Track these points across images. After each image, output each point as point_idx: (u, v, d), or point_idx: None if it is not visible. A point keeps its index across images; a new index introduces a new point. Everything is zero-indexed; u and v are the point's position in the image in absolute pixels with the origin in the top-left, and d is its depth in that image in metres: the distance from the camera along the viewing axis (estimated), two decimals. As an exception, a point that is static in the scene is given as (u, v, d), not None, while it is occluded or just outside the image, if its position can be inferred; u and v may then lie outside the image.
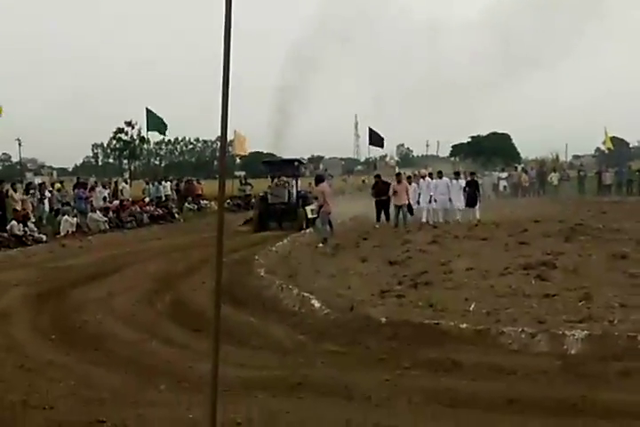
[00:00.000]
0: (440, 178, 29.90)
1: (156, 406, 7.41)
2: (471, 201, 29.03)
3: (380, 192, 28.06)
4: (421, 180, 30.59)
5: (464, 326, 9.64)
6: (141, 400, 7.67)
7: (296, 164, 33.30)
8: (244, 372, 8.64)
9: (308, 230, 26.27)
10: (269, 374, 8.45)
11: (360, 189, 49.16)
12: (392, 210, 27.34)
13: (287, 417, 6.89)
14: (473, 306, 11.05)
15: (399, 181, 27.37)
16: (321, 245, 21.53)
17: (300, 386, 7.87)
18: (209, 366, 8.52)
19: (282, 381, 8.11)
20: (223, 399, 7.41)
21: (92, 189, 33.38)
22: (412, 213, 27.70)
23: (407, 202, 27.06)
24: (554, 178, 46.98)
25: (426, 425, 6.69)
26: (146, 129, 41.24)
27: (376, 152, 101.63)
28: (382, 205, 28.14)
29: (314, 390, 7.76)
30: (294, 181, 32.22)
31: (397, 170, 44.79)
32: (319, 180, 23.79)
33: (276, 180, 32.15)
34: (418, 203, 29.21)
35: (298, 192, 31.73)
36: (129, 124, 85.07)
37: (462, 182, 29.68)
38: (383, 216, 28.14)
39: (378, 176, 30.53)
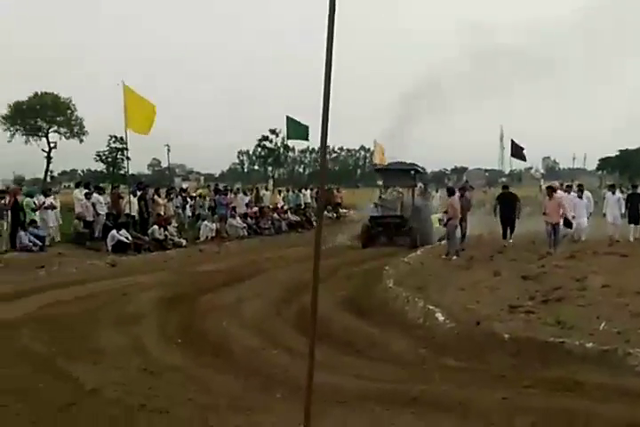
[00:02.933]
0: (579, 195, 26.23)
1: (270, 414, 7.45)
2: (635, 217, 25.41)
3: (505, 207, 24.71)
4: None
5: (590, 345, 9.32)
6: (256, 408, 7.73)
7: (412, 172, 29.66)
8: (362, 384, 8.61)
9: (419, 250, 23.79)
10: (386, 387, 8.37)
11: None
12: (546, 229, 22.79)
13: (396, 432, 6.80)
14: (603, 325, 10.69)
15: (550, 196, 23.03)
16: (446, 257, 21.40)
17: (414, 401, 7.76)
18: (328, 376, 8.60)
19: (397, 394, 8.03)
20: (337, 411, 7.44)
21: (234, 195, 34.05)
22: (569, 226, 23.41)
23: (560, 220, 22.61)
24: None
25: (540, 447, 6.49)
26: (286, 137, 41.89)
27: (521, 164, 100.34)
28: (508, 222, 24.67)
29: (429, 405, 7.64)
30: (410, 192, 29.47)
31: (542, 182, 43.70)
32: (451, 192, 23.55)
33: (390, 189, 29.66)
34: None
35: (413, 204, 28.73)
36: (273, 131, 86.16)
37: (618, 195, 26.64)
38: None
39: (505, 187, 27.58)
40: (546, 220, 22.63)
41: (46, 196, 23.90)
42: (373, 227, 27.44)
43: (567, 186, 29.05)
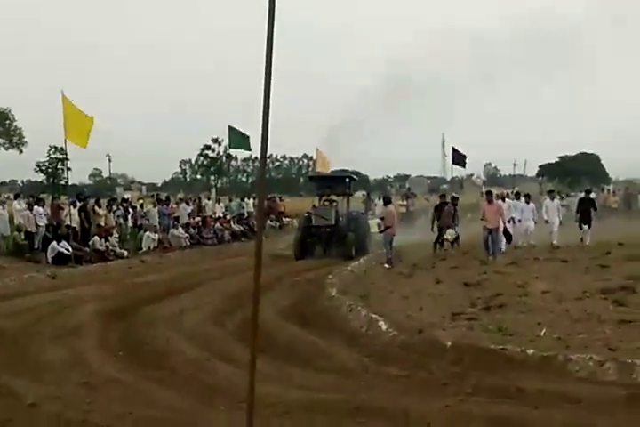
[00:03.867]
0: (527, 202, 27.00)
1: (213, 427, 7.37)
2: (587, 220, 26.41)
3: (444, 217, 24.59)
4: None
5: (531, 351, 9.40)
6: (200, 421, 7.67)
7: (347, 180, 29.27)
8: (305, 394, 8.57)
9: (362, 258, 23.74)
10: (329, 397, 8.33)
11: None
12: (483, 234, 22.57)
13: (342, 442, 6.78)
14: (544, 331, 10.83)
15: (490, 201, 23.10)
16: (386, 265, 21.54)
17: (357, 410, 7.75)
18: (272, 387, 8.56)
19: (341, 404, 8.00)
20: (280, 422, 7.40)
21: (176, 205, 33.90)
22: (508, 240, 23.61)
23: (500, 226, 22.64)
24: (642, 200, 45.76)
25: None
26: (228, 146, 41.84)
27: (463, 171, 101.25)
28: (444, 231, 24.45)
29: (372, 414, 7.63)
30: (345, 200, 28.76)
31: (483, 189, 44.08)
32: (387, 201, 23.68)
33: (323, 198, 28.50)
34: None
35: (349, 213, 27.85)
36: (215, 140, 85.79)
37: (557, 202, 27.97)
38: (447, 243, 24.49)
39: (443, 196, 27.78)
40: (484, 225, 22.52)
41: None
42: (307, 237, 26.50)
43: (506, 193, 29.65)
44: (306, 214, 27.65)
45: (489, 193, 25.08)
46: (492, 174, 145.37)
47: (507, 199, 28.22)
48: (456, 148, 39.75)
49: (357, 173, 30.54)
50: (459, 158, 39.52)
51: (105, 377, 9.58)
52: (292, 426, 7.26)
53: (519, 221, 26.39)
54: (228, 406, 8.13)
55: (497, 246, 22.62)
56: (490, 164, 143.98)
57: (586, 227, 26.38)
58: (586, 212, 26.55)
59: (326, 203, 27.90)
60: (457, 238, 24.36)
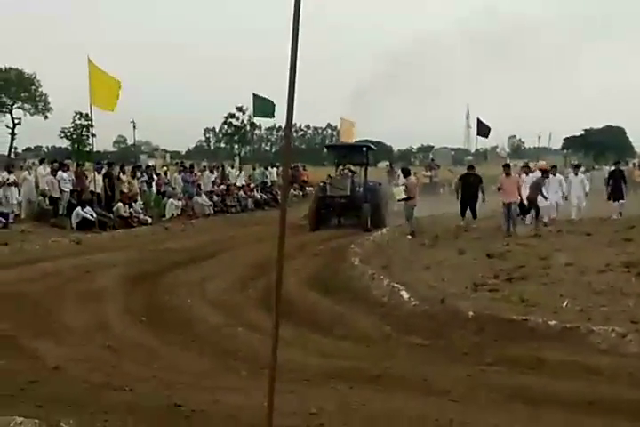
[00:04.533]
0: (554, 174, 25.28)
1: (235, 392, 7.39)
2: (619, 194, 25.42)
3: (468, 188, 23.56)
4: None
5: (553, 323, 9.39)
6: (221, 386, 7.71)
7: (364, 149, 28.50)
8: (326, 361, 8.65)
9: (384, 229, 23.46)
10: (350, 365, 8.40)
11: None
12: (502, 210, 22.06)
13: (362, 409, 6.79)
14: (566, 303, 10.80)
15: (507, 174, 22.37)
16: (409, 236, 21.53)
17: (379, 378, 7.81)
18: (293, 354, 8.62)
19: (362, 372, 8.07)
20: (301, 389, 7.44)
21: (200, 172, 33.94)
22: (524, 213, 23.01)
23: (518, 199, 21.89)
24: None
25: (502, 423, 6.51)
26: (253, 114, 41.86)
27: (487, 143, 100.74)
28: (469, 203, 23.61)
29: (393, 382, 7.68)
30: (363, 171, 27.74)
31: (508, 161, 43.67)
32: (406, 173, 23.50)
33: (340, 168, 27.63)
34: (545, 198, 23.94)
35: (365, 183, 26.64)
36: (240, 109, 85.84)
37: (582, 176, 26.44)
38: (470, 213, 23.72)
39: (470, 167, 26.17)
40: (502, 199, 21.89)
41: (9, 172, 23.61)
42: (322, 208, 25.57)
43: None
44: (321, 184, 27.00)
45: (507, 166, 24.03)
46: (516, 147, 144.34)
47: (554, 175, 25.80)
48: (481, 119, 39.58)
49: (380, 144, 29.90)
50: (483, 130, 39.36)
51: (128, 341, 9.70)
52: (313, 393, 7.28)
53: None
54: (249, 372, 8.21)
55: (516, 220, 21.81)
56: (514, 136, 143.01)
57: (618, 202, 25.48)
58: (617, 185, 25.58)
59: (344, 172, 27.05)
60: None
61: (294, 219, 24.74)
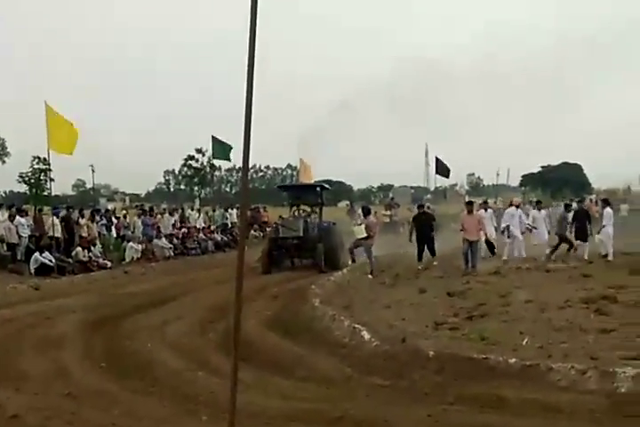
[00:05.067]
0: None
1: (196, 438, 7.36)
2: (582, 234, 24.11)
3: (422, 228, 23.21)
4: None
5: (513, 360, 9.40)
6: (182, 431, 7.64)
7: (318, 189, 28.18)
8: (287, 404, 8.59)
9: (345, 269, 22.93)
10: (311, 407, 8.36)
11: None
12: (463, 247, 21.72)
13: (324, 452, 6.78)
14: (526, 340, 10.86)
15: (469, 211, 22.18)
16: (370, 276, 21.46)
17: (340, 420, 7.78)
18: (254, 397, 8.56)
19: (323, 414, 8.03)
20: (263, 432, 7.40)
21: (160, 215, 33.84)
22: (492, 252, 23.37)
23: (481, 237, 22.04)
24: (623, 209, 46.13)
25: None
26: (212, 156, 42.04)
27: (446, 181, 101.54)
28: (426, 243, 23.31)
29: (354, 424, 7.67)
30: (318, 211, 27.46)
31: (466, 199, 43.90)
32: (366, 212, 23.46)
33: (294, 208, 27.63)
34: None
35: (320, 224, 26.17)
36: (199, 151, 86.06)
37: (544, 212, 26.05)
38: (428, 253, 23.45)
39: (421, 206, 26.16)
40: (464, 237, 21.58)
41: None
42: (274, 249, 24.82)
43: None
44: (274, 226, 26.64)
45: (469, 203, 23.88)
46: (475, 184, 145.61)
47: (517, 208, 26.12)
48: (439, 157, 39.95)
49: (341, 183, 29.97)
50: (442, 168, 39.70)
51: (88, 388, 9.57)
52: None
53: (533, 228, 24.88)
54: (210, 416, 8.13)
55: (476, 259, 21.59)
56: (473, 174, 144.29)
57: (582, 242, 24.19)
58: (582, 225, 24.27)
59: (297, 213, 27.05)
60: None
61: (250, 261, 24.46)
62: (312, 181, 36.63)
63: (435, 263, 23.13)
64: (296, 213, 27.04)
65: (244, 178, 5.13)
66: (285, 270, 24.90)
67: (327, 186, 30.80)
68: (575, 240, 24.41)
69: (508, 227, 24.32)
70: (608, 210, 24.77)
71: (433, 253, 23.61)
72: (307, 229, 25.04)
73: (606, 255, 23.49)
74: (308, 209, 27.50)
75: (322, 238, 24.89)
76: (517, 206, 25.98)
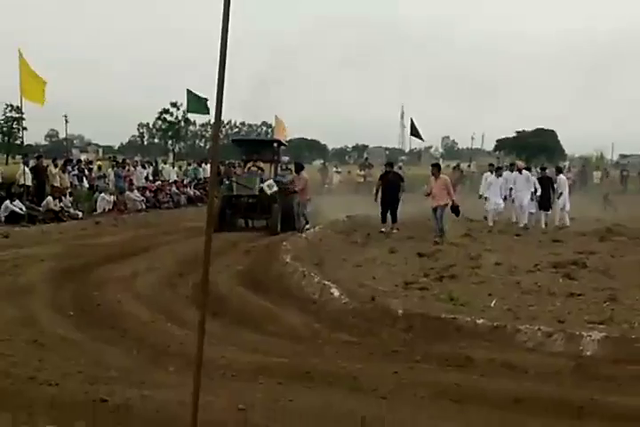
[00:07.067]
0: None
1: (163, 388, 7.32)
2: (546, 203, 24.20)
3: (388, 188, 22.54)
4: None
5: (481, 321, 9.50)
6: (149, 381, 7.61)
7: (275, 145, 26.07)
8: (255, 357, 8.61)
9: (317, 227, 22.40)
10: (279, 361, 8.37)
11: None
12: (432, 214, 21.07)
13: (291, 405, 6.80)
14: (494, 302, 10.96)
15: (435, 175, 21.15)
16: (299, 234, 20.94)
17: (308, 375, 7.79)
18: (222, 350, 8.58)
19: (291, 368, 8.05)
20: (229, 384, 7.42)
21: (133, 167, 33.67)
22: (457, 214, 21.08)
23: (448, 202, 20.57)
24: (596, 177, 46.41)
25: (429, 419, 6.57)
26: (187, 110, 41.71)
27: (421, 144, 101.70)
28: (390, 204, 22.50)
29: (322, 379, 7.67)
30: (274, 168, 25.70)
31: (441, 162, 43.84)
32: (300, 168, 23.96)
33: (249, 164, 25.77)
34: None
35: (277, 182, 23.88)
36: (174, 104, 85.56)
37: (527, 174, 25.03)
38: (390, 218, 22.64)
39: (389, 165, 25.17)
40: (431, 204, 20.87)
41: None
42: (227, 208, 23.22)
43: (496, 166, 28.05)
44: (226, 182, 24.84)
45: (435, 165, 22.56)
46: (449, 147, 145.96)
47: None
48: (414, 120, 39.82)
49: (315, 142, 29.43)
50: (416, 131, 39.58)
51: (55, 336, 9.52)
52: (241, 388, 7.25)
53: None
54: (177, 367, 8.13)
55: (444, 224, 20.56)
56: (448, 137, 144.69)
57: (545, 212, 24.47)
58: (545, 194, 24.17)
59: (252, 170, 25.14)
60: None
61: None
62: (286, 139, 36.38)
63: (394, 231, 22.26)
64: (250, 170, 25.37)
65: (216, 129, 5.05)
66: (239, 231, 23.19)
67: (284, 142, 29.23)
68: (538, 209, 24.40)
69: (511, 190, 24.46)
70: (562, 177, 25.32)
71: (394, 218, 22.74)
72: (262, 187, 23.23)
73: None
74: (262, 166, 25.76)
75: (278, 199, 23.11)
76: (520, 171, 25.32)
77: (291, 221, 22.97)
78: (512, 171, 25.94)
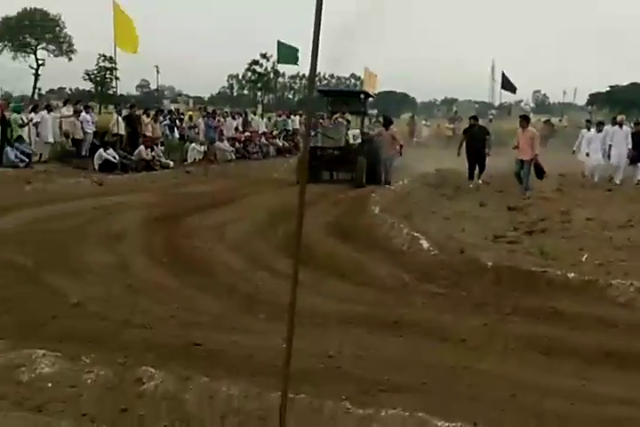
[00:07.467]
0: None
1: (253, 334, 7.47)
2: (638, 158, 22.92)
3: (473, 142, 22.20)
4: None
5: (571, 275, 9.40)
6: (239, 327, 7.76)
7: (362, 96, 24.94)
8: (344, 306, 8.70)
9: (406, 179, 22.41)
10: (368, 311, 8.44)
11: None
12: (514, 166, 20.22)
13: (378, 354, 6.87)
14: (586, 256, 10.79)
15: (524, 128, 20.15)
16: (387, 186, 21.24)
17: (396, 324, 7.85)
18: (311, 298, 8.66)
19: (379, 318, 8.11)
20: (318, 332, 7.50)
21: (223, 118, 33.85)
22: (540, 176, 19.86)
23: (532, 156, 19.52)
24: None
25: (517, 371, 6.59)
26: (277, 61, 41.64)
27: (511, 97, 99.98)
28: (476, 159, 22.28)
29: (409, 329, 7.72)
30: (360, 120, 24.97)
31: (532, 116, 42.97)
32: (388, 122, 23.35)
33: (335, 116, 25.13)
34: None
35: (363, 134, 23.60)
36: (264, 56, 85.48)
37: (627, 129, 23.92)
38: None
39: (474, 118, 24.44)
40: (516, 156, 20.16)
41: (35, 113, 23.63)
42: (311, 159, 20.85)
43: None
44: (313, 133, 22.65)
45: (524, 117, 21.70)
46: (540, 102, 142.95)
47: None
48: (505, 73, 39.12)
49: (404, 95, 28.88)
50: (508, 84, 38.92)
51: (148, 281, 9.75)
52: (330, 337, 7.33)
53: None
54: (267, 315, 8.25)
55: (528, 179, 19.67)
56: (539, 91, 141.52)
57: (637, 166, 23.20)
58: (638, 148, 22.92)
59: (338, 121, 24.75)
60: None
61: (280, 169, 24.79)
62: (375, 92, 35.96)
63: (480, 182, 22.07)
64: (337, 121, 24.81)
65: (311, 83, 5.00)
66: (324, 183, 22.52)
67: (372, 94, 27.81)
68: (629, 164, 23.39)
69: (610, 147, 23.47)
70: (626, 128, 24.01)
71: (482, 169, 22.47)
72: (348, 139, 22.87)
73: None
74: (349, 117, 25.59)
75: (364, 151, 22.76)
76: (621, 126, 24.19)
77: (376, 174, 22.61)
78: (613, 125, 24.71)
